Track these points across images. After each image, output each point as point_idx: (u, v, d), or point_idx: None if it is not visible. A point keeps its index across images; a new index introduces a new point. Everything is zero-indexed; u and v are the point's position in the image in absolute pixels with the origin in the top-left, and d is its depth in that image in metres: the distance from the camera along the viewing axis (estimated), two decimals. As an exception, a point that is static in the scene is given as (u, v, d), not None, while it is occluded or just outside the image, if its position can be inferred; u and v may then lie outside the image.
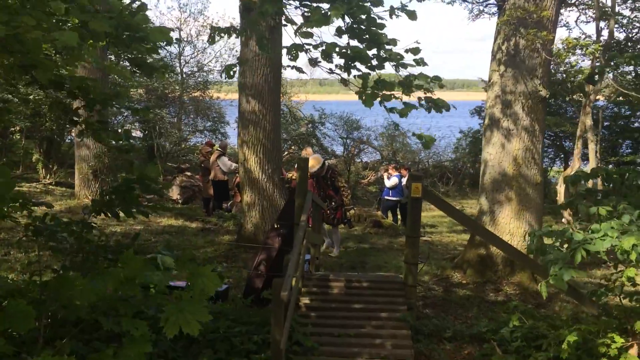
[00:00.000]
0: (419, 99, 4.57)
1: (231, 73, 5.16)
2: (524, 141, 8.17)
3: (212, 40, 5.22)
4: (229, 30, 5.22)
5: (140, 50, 4.54)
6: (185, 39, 24.09)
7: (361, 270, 9.15)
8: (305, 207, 6.31)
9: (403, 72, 4.53)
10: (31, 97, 15.05)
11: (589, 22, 13.78)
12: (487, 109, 8.52)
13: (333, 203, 9.54)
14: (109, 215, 4.62)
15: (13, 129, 16.37)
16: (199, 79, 23.53)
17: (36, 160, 16.04)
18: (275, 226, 6.93)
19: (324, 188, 9.64)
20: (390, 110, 4.48)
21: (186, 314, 3.20)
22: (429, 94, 4.51)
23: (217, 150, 13.30)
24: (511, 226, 8.22)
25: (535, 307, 7.52)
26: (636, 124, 18.32)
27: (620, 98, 14.84)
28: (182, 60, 23.66)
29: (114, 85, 18.48)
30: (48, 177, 15.61)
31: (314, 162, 9.46)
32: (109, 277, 3.44)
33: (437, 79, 4.53)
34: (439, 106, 4.45)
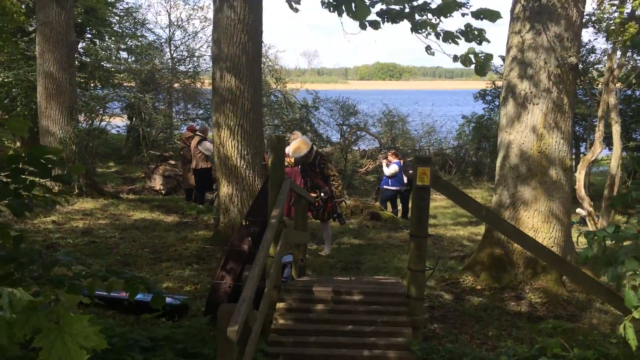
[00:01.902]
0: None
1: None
2: (550, 117, 6.56)
3: None
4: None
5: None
6: (175, 23, 22.45)
7: (355, 272, 7.56)
8: (279, 199, 4.71)
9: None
10: (-1, 80, 13.45)
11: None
12: (505, 79, 6.89)
13: (322, 194, 7.94)
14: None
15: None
16: (189, 66, 21.84)
17: (14, 151, 14.44)
18: (244, 223, 5.33)
19: (312, 177, 8.06)
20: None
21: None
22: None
23: (197, 135, 11.68)
24: (535, 220, 6.62)
25: (568, 319, 5.95)
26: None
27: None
28: (171, 45, 22.00)
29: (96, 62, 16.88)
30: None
31: (301, 145, 7.90)
32: None
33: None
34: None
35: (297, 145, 8.08)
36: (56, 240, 8.31)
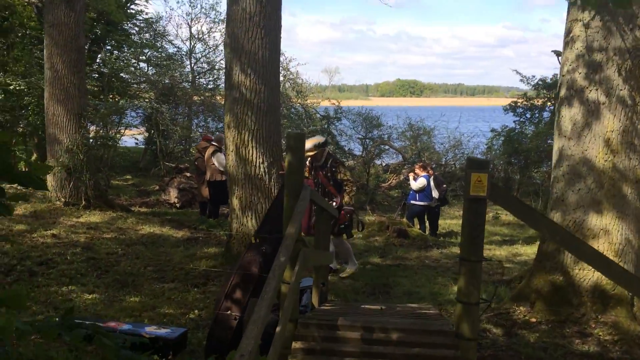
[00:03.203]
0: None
1: None
2: (620, 119, 5.40)
3: None
4: None
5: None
6: (196, 36, 21.70)
7: (385, 298, 6.44)
8: (297, 212, 3.63)
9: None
10: (11, 87, 12.69)
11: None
12: (564, 76, 5.75)
13: (334, 203, 6.79)
14: None
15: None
16: (209, 78, 21.01)
17: (31, 161, 13.61)
18: (254, 241, 4.27)
19: (324, 183, 6.93)
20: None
21: None
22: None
23: (212, 145, 10.69)
24: (600, 241, 5.43)
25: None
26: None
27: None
28: (192, 58, 21.23)
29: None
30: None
31: (308, 143, 6.83)
32: None
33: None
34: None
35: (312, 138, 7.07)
36: (52, 256, 7.33)
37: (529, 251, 9.98)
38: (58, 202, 10.26)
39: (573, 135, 5.61)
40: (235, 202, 7.14)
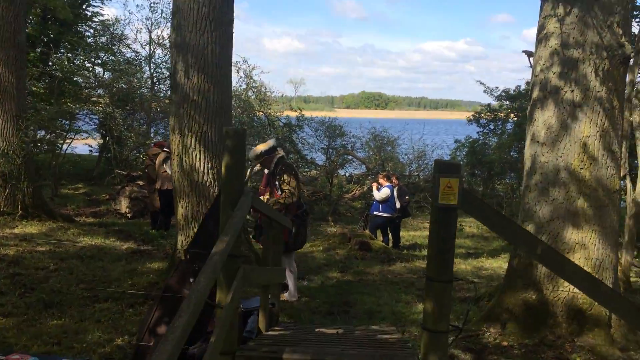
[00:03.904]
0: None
1: None
2: (597, 123, 4.92)
3: None
4: None
5: None
6: (156, 41, 20.78)
7: (344, 318, 5.78)
8: (232, 222, 2.95)
9: None
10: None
11: None
12: (537, 76, 5.25)
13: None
14: None
15: None
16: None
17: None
18: (183, 257, 3.57)
19: (272, 191, 6.24)
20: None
21: None
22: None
23: (164, 151, 9.89)
24: (576, 256, 4.91)
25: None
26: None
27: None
28: (151, 64, 20.31)
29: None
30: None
31: (260, 146, 6.21)
32: None
33: None
34: None
35: (259, 146, 6.40)
36: (-29, 271, 6.44)
37: (495, 265, 9.50)
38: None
39: (547, 141, 5.10)
40: (180, 212, 6.40)
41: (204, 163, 6.25)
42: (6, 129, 9.25)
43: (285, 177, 6.09)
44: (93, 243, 8.45)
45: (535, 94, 5.23)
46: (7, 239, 8.09)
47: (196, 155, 6.22)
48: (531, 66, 5.58)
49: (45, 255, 7.41)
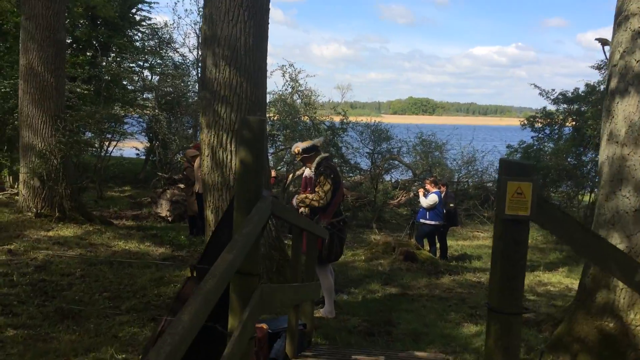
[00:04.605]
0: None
1: None
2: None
3: None
4: None
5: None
6: (203, 45, 20.57)
7: (386, 339, 5.07)
8: (244, 232, 2.32)
9: None
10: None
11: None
12: (615, 65, 4.42)
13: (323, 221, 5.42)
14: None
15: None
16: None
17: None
18: (190, 274, 2.97)
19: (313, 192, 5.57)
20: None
21: None
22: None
23: (201, 153, 9.43)
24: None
25: None
26: None
27: None
28: (198, 69, 20.13)
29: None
30: (16, 185, 11.94)
31: (301, 143, 5.60)
32: None
33: None
34: None
35: (299, 143, 5.78)
36: (-5, 276, 6.09)
37: (554, 280, 8.56)
38: (29, 213, 9.04)
39: (628, 140, 4.27)
40: (210, 215, 5.86)
41: (236, 162, 5.68)
42: (45, 129, 9.01)
43: (321, 178, 5.44)
44: (126, 248, 8.05)
45: (614, 85, 4.40)
46: (40, 242, 7.78)
47: (227, 154, 5.66)
48: (605, 57, 4.75)
49: (75, 260, 7.03)
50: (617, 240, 4.23)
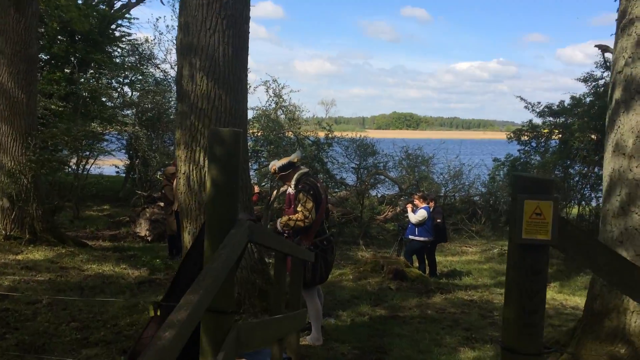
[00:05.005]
0: None
1: None
2: None
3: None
4: None
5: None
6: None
7: (377, 370, 4.66)
8: (212, 267, 1.93)
9: None
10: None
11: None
12: (619, 72, 4.12)
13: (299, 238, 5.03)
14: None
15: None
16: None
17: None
18: (152, 313, 2.56)
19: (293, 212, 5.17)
20: None
21: None
22: None
23: (181, 170, 8.99)
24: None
25: None
26: None
27: None
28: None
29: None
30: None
31: (277, 161, 5.23)
32: None
33: None
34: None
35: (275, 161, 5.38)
36: (-45, 305, 5.58)
37: (580, 301, 8.13)
38: (-3, 236, 8.51)
39: (636, 152, 3.96)
40: (187, 238, 5.43)
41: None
42: (15, 147, 8.52)
43: (300, 196, 5.03)
44: (100, 271, 7.55)
45: (618, 93, 4.10)
46: (7, 267, 7.25)
47: (205, 174, 5.25)
48: (607, 63, 4.47)
49: (43, 285, 6.52)
50: (620, 244, 3.90)
